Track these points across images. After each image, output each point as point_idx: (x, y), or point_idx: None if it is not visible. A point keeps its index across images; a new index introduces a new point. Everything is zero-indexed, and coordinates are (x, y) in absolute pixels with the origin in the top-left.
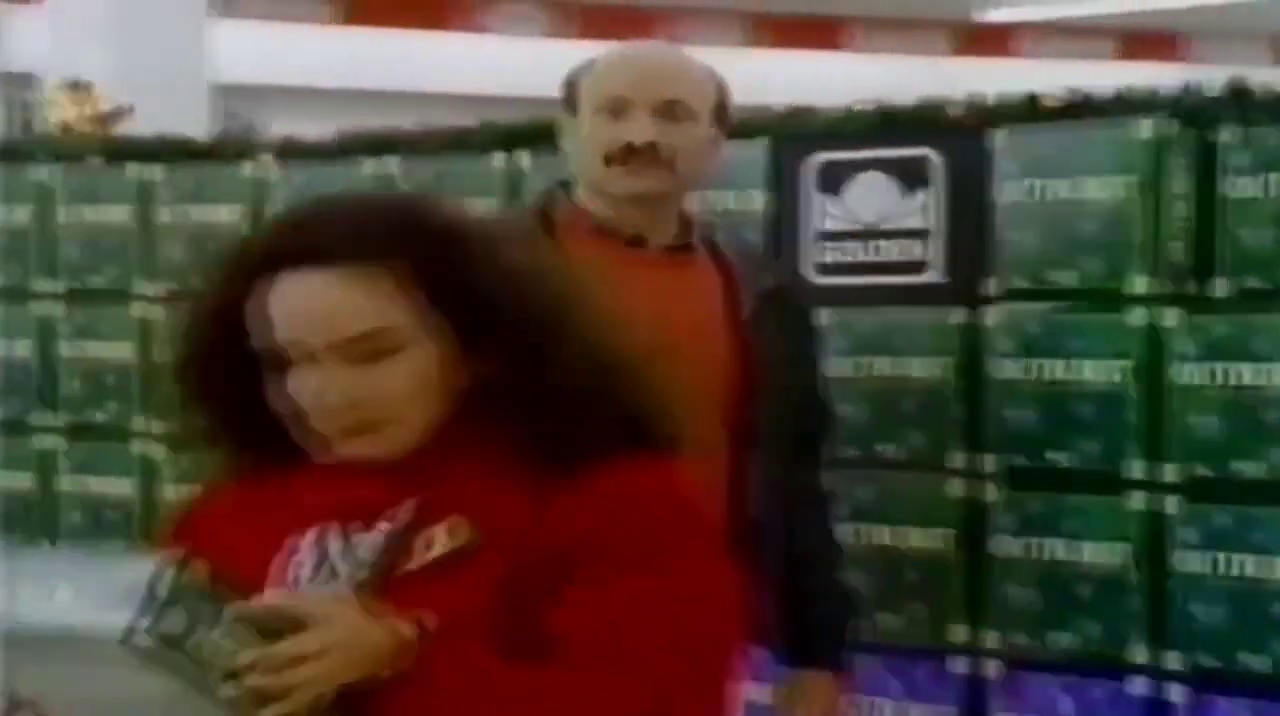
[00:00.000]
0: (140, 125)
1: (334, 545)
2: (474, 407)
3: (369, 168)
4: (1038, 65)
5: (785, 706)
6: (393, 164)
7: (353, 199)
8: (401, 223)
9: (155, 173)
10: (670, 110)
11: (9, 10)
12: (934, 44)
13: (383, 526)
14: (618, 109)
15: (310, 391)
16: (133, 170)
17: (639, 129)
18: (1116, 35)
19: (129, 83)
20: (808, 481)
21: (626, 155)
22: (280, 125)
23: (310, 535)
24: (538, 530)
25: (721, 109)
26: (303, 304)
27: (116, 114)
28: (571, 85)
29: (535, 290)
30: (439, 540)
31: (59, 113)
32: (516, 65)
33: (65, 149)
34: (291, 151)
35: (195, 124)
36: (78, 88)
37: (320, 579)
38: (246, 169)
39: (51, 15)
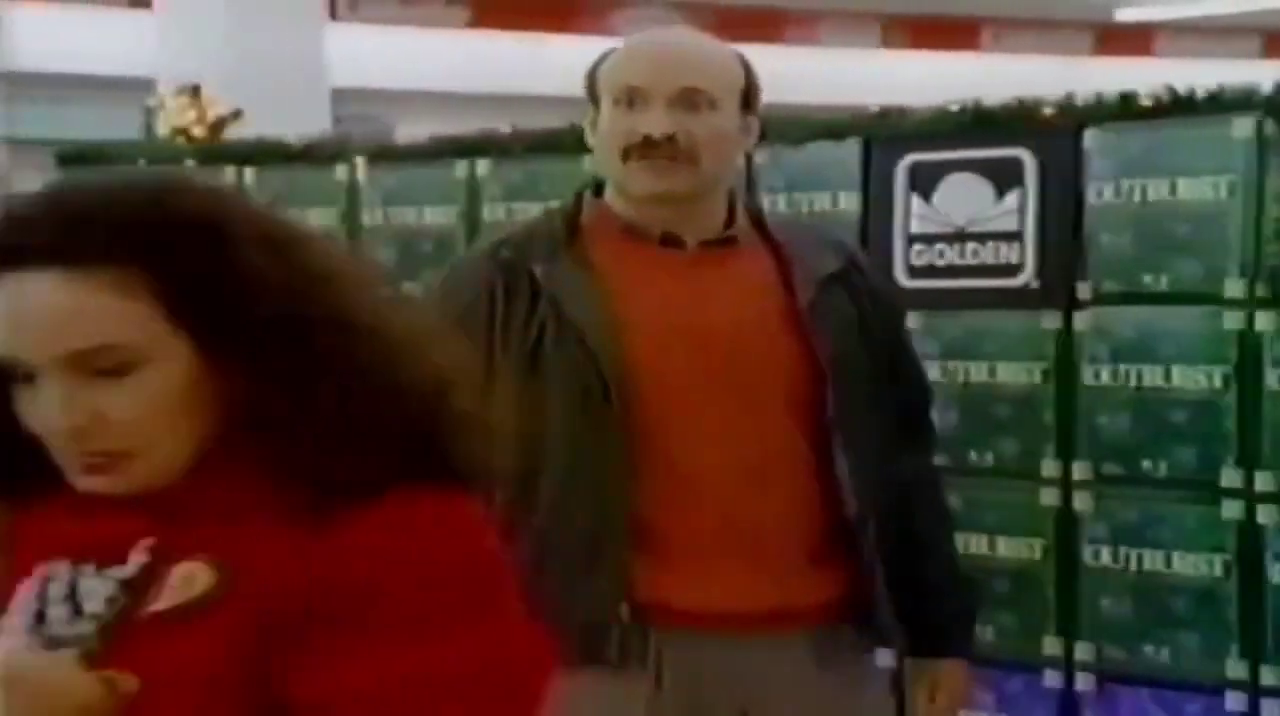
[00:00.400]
0: (259, 129)
1: (57, 588)
2: (236, 434)
3: (460, 170)
4: (1179, 65)
5: (914, 698)
6: (483, 167)
7: (88, 186)
8: (140, 217)
9: (248, 176)
10: (689, 99)
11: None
12: (1073, 44)
13: (116, 569)
14: (633, 99)
15: (32, 414)
16: (226, 174)
17: (655, 120)
18: (1260, 33)
19: (246, 87)
20: (915, 462)
21: (644, 149)
22: (407, 130)
23: (37, 575)
24: (297, 577)
25: (749, 95)
26: (15, 312)
27: (227, 118)
28: (592, 76)
29: (303, 301)
30: (174, 586)
31: (171, 118)
32: None
33: (159, 153)
34: (383, 155)
35: (315, 128)
36: (189, 93)
37: (46, 626)
38: (339, 172)
39: (164, 20)
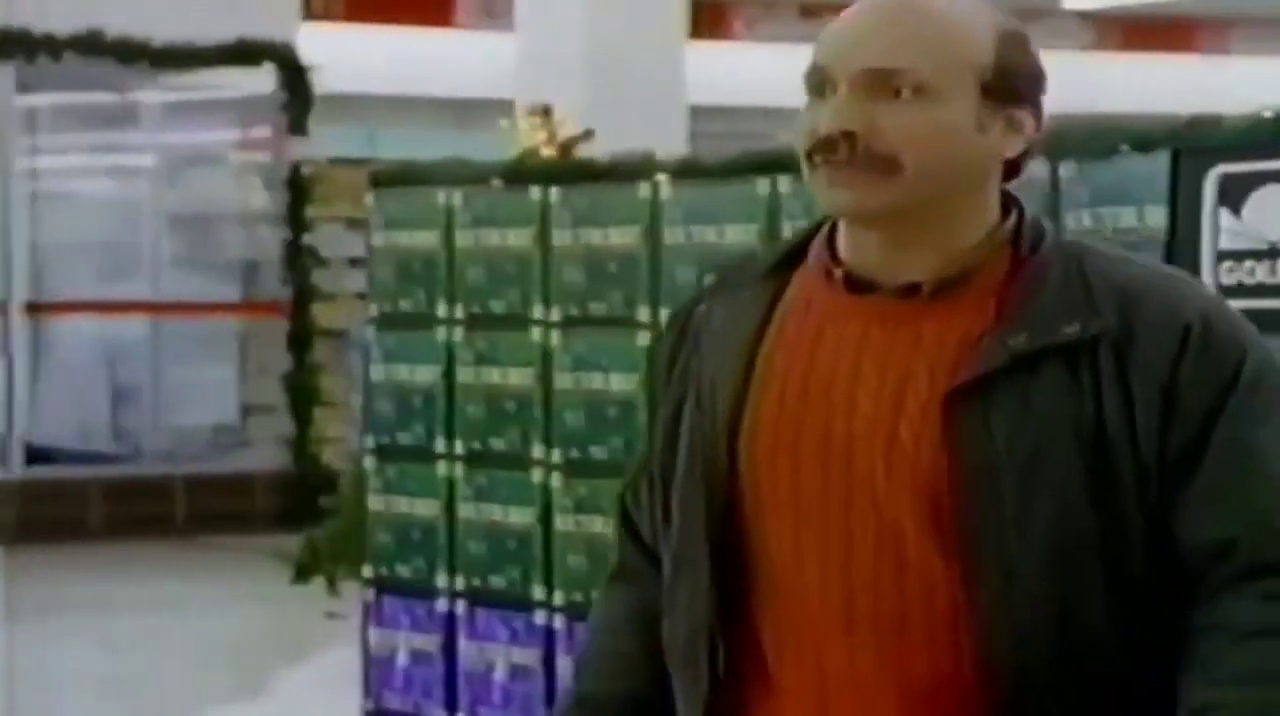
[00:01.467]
0: (614, 148)
1: None
2: None
3: (761, 188)
4: None
5: None
6: (785, 183)
7: None
8: None
9: (554, 195)
10: (881, 82)
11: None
12: None
13: None
14: (822, 85)
15: None
16: (531, 193)
17: (830, 112)
18: None
19: (604, 107)
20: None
21: (822, 150)
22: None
23: None
24: None
25: (999, 79)
26: None
27: (578, 138)
28: None
29: None
30: None
31: (522, 139)
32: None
33: (467, 173)
34: (686, 171)
35: (672, 147)
36: (540, 113)
37: None
38: (642, 189)
39: (522, 41)
